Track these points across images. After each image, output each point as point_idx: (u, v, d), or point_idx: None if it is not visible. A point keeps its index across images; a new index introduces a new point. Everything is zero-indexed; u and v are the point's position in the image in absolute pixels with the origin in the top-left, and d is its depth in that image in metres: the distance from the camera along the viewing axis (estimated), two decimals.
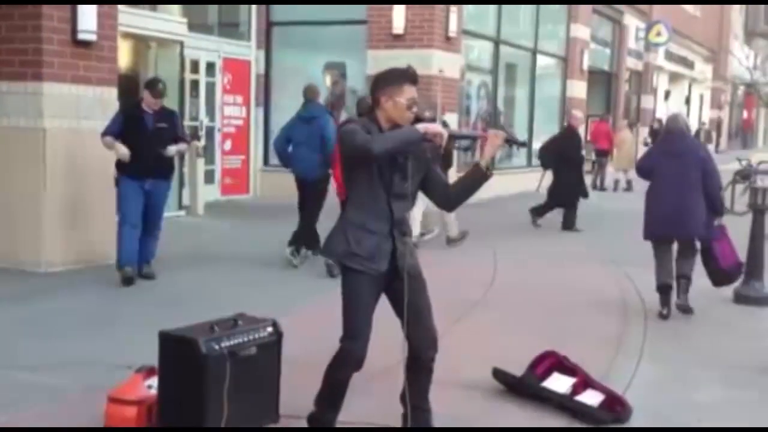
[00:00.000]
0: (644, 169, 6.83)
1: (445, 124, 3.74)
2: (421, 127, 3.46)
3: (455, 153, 10.03)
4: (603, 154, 18.15)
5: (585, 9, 18.95)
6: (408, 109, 3.54)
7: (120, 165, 6.97)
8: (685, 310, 6.58)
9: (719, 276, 6.81)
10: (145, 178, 6.99)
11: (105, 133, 6.96)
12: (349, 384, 3.66)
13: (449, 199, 3.79)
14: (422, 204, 8.58)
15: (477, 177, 3.62)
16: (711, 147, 28.78)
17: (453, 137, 3.81)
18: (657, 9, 24.49)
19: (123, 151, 6.82)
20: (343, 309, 3.58)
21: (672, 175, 6.42)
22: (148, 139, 6.96)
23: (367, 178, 3.53)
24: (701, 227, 6.47)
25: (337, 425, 3.75)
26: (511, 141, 3.82)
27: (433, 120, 3.78)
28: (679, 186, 6.38)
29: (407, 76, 3.57)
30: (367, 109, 8.76)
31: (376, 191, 3.52)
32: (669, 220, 6.47)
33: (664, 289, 6.51)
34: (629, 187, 17.95)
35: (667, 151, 6.65)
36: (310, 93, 8.29)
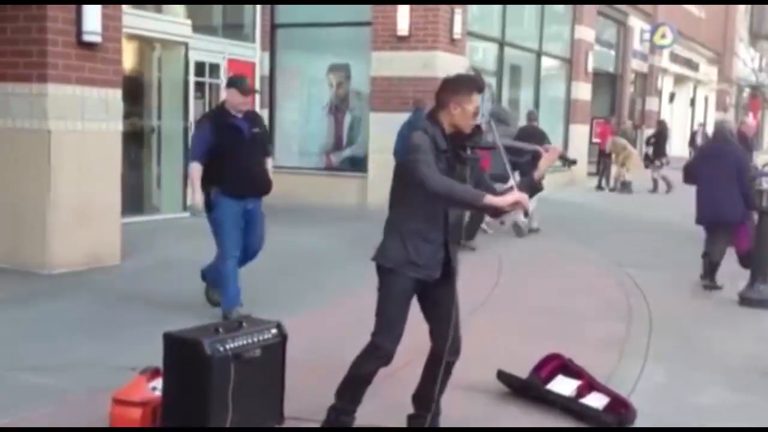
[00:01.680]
0: (688, 175, 8.09)
1: (480, 130, 3.75)
2: (497, 200, 3.47)
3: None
4: (608, 155, 18.24)
5: (590, 11, 18.93)
6: (473, 117, 3.61)
7: (217, 180, 5.73)
8: (706, 287, 7.69)
9: (739, 258, 7.94)
10: (247, 196, 5.84)
11: (195, 159, 5.82)
12: (372, 380, 3.69)
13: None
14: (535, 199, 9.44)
15: (533, 191, 3.71)
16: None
17: (510, 149, 3.93)
18: (662, 11, 24.45)
19: (197, 200, 5.78)
20: (379, 306, 3.63)
21: (711, 174, 7.57)
22: (248, 148, 5.82)
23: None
24: (730, 216, 7.57)
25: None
26: (564, 159, 3.94)
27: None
28: (717, 183, 7.49)
29: (477, 84, 3.65)
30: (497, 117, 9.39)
31: (435, 200, 3.53)
32: (707, 210, 7.65)
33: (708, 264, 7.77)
34: (628, 189, 18.00)
35: (709, 154, 8.05)
36: (418, 104, 10.00)
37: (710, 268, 7.69)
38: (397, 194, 3.68)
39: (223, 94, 6.67)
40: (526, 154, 4.01)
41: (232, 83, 5.92)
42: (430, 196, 3.46)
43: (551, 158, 3.71)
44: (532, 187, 3.71)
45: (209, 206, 5.78)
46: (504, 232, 10.97)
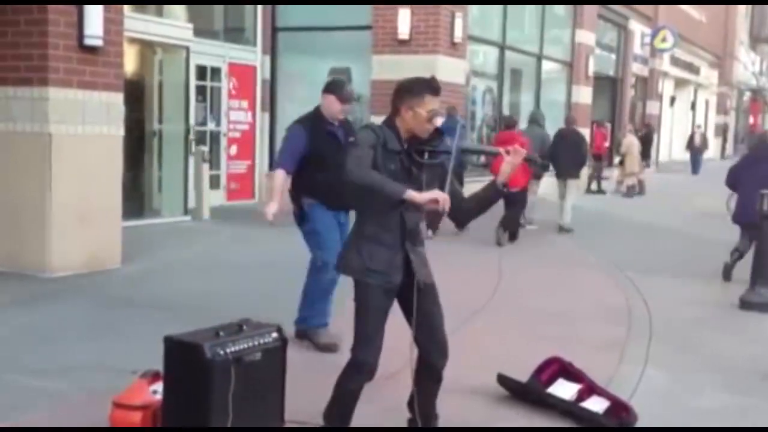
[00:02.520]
0: (730, 182, 8.90)
1: (464, 127, 3.67)
2: (416, 195, 3.32)
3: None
4: (599, 158, 18.71)
5: (590, 14, 18.94)
6: (428, 121, 3.49)
7: (312, 191, 5.39)
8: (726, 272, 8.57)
9: None
10: (341, 209, 5.42)
11: (282, 166, 5.44)
12: (359, 398, 3.65)
13: (462, 212, 3.67)
14: (575, 195, 12.08)
15: (492, 195, 3.57)
16: (708, 152, 28.52)
17: (468, 152, 3.74)
18: (662, 14, 24.47)
19: (271, 209, 5.34)
20: (355, 319, 3.56)
21: (751, 177, 8.28)
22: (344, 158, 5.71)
23: None
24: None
25: None
26: (530, 161, 3.77)
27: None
28: (754, 186, 7.87)
29: (429, 86, 3.52)
30: (513, 122, 10.18)
31: (367, 196, 3.44)
32: (747, 211, 8.11)
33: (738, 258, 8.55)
34: (641, 190, 18.05)
35: (752, 161, 8.89)
36: (451, 111, 10.25)
37: (735, 260, 8.57)
38: (356, 200, 3.64)
39: (223, 99, 6.57)
40: (489, 157, 3.72)
41: (330, 89, 5.42)
42: (352, 187, 3.40)
43: (513, 161, 3.46)
44: (496, 191, 3.53)
45: (302, 218, 5.37)
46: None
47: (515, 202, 10.17)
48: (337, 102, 5.34)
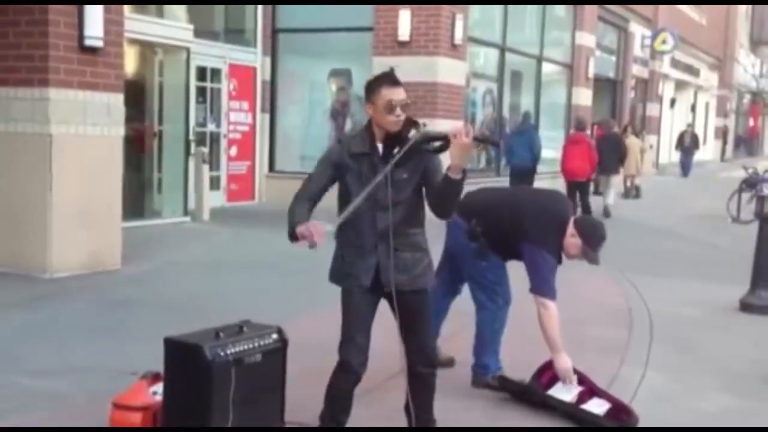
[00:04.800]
0: None
1: (417, 125, 3.51)
2: (299, 229, 3.38)
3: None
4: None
5: (590, 16, 18.95)
6: (389, 112, 3.42)
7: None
8: None
9: None
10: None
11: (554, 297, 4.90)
12: (352, 399, 3.65)
13: (433, 206, 3.55)
14: (616, 187, 14.86)
15: (446, 185, 3.36)
16: (698, 152, 27.95)
17: (427, 140, 3.56)
18: (663, 16, 24.48)
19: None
20: (342, 320, 3.61)
21: None
22: None
23: (350, 189, 3.51)
24: None
25: None
26: (482, 140, 3.60)
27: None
28: None
29: (385, 78, 3.51)
30: (584, 125, 11.56)
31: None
32: None
33: None
34: (638, 193, 17.98)
35: None
36: (526, 116, 13.67)
37: None
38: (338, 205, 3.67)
39: (224, 100, 6.54)
40: (440, 142, 3.37)
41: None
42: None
43: (462, 143, 3.25)
44: (449, 182, 3.32)
45: (485, 256, 4.84)
46: None
47: (582, 192, 13.11)
48: None
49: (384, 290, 3.55)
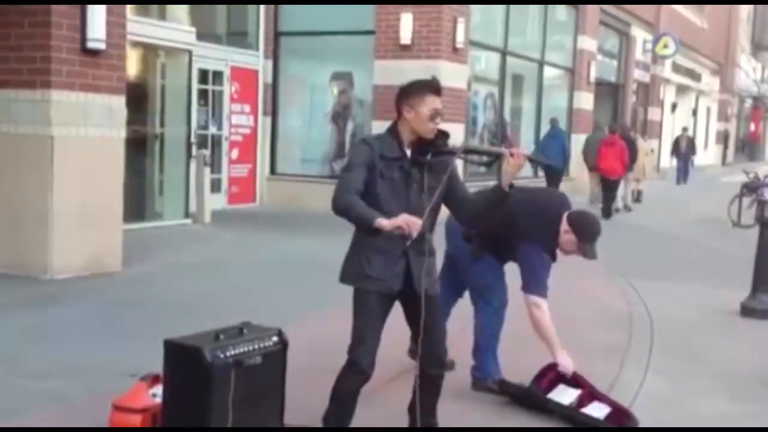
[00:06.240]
0: None
1: (446, 135, 3.60)
2: (384, 223, 3.32)
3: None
4: None
5: (592, 20, 18.97)
6: (431, 120, 3.48)
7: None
8: None
9: None
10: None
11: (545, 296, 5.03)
12: (357, 400, 3.65)
13: (469, 214, 3.70)
14: (632, 184, 16.48)
15: (497, 197, 3.54)
16: (699, 157, 27.71)
17: (472, 152, 3.73)
18: (664, 21, 24.49)
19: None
20: (352, 321, 3.58)
21: None
22: None
23: (380, 193, 3.49)
24: None
25: None
26: (534, 161, 3.73)
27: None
28: None
29: (430, 86, 3.54)
30: (617, 129, 12.92)
31: (390, 208, 3.44)
32: None
33: None
34: (638, 198, 17.94)
35: None
36: (554, 122, 15.42)
37: None
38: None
39: (225, 102, 6.53)
40: (485, 156, 3.53)
41: None
42: (335, 212, 3.44)
43: (516, 163, 3.41)
44: (502, 193, 3.50)
45: (479, 256, 4.89)
46: None
47: (611, 188, 14.62)
48: None
49: (404, 294, 3.56)
